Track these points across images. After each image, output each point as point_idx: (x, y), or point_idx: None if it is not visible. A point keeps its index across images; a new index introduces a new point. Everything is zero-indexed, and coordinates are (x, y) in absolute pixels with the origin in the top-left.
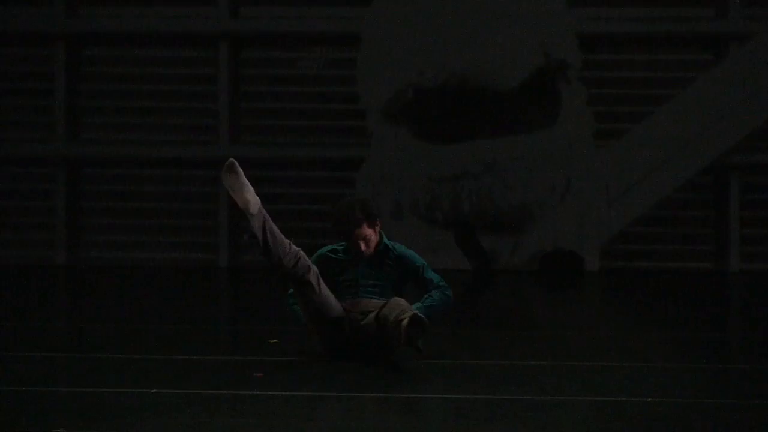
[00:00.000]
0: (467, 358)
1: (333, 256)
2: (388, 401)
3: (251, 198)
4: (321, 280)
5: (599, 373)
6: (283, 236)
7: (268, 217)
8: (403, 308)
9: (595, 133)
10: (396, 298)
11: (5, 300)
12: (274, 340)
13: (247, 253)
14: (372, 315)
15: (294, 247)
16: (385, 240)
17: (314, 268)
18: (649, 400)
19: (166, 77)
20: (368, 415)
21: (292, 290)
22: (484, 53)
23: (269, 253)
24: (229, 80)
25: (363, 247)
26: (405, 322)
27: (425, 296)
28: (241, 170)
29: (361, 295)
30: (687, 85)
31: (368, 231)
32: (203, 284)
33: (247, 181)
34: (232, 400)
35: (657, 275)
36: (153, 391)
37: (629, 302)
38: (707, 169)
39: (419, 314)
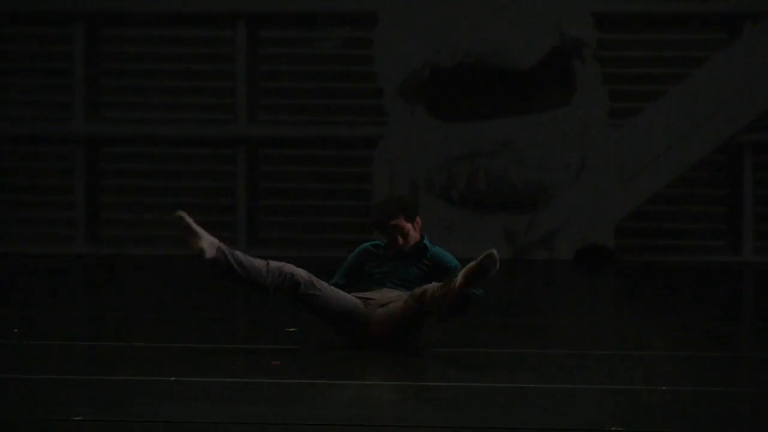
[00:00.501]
0: (480, 347)
1: (373, 250)
2: (404, 389)
3: (204, 245)
4: (318, 283)
5: (611, 361)
6: (253, 261)
7: (230, 250)
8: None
9: (609, 112)
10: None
11: (23, 287)
12: (291, 328)
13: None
14: (397, 303)
15: (274, 265)
16: (426, 241)
17: (304, 276)
18: (663, 388)
19: (184, 56)
20: (384, 403)
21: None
22: (500, 32)
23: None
24: (247, 59)
25: (400, 240)
26: (474, 263)
27: None
28: (190, 220)
29: (387, 285)
30: (701, 64)
31: (406, 225)
32: None
33: (198, 229)
34: (250, 387)
35: (670, 255)
36: (172, 379)
37: (641, 289)
38: (721, 148)
39: (494, 252)
